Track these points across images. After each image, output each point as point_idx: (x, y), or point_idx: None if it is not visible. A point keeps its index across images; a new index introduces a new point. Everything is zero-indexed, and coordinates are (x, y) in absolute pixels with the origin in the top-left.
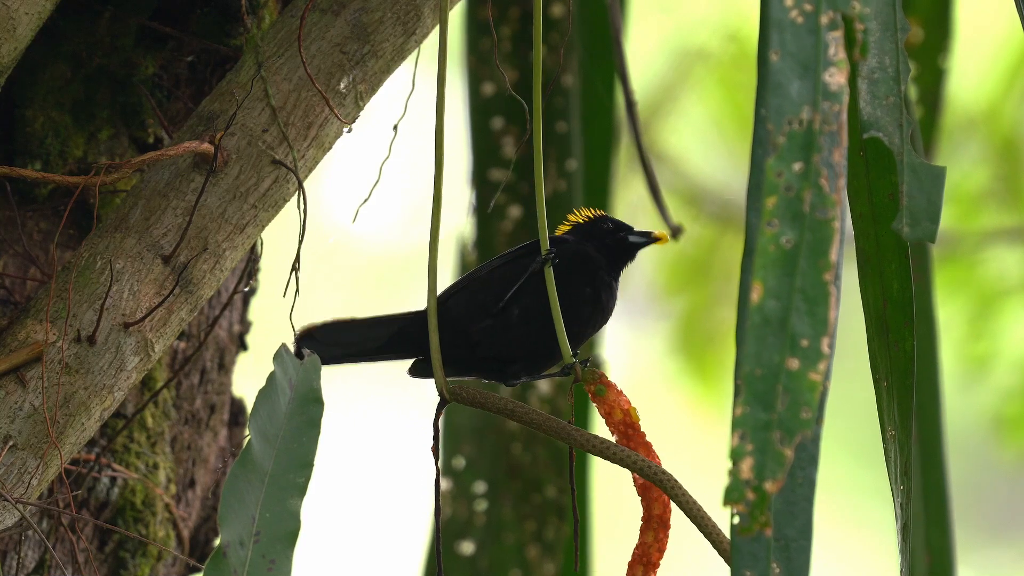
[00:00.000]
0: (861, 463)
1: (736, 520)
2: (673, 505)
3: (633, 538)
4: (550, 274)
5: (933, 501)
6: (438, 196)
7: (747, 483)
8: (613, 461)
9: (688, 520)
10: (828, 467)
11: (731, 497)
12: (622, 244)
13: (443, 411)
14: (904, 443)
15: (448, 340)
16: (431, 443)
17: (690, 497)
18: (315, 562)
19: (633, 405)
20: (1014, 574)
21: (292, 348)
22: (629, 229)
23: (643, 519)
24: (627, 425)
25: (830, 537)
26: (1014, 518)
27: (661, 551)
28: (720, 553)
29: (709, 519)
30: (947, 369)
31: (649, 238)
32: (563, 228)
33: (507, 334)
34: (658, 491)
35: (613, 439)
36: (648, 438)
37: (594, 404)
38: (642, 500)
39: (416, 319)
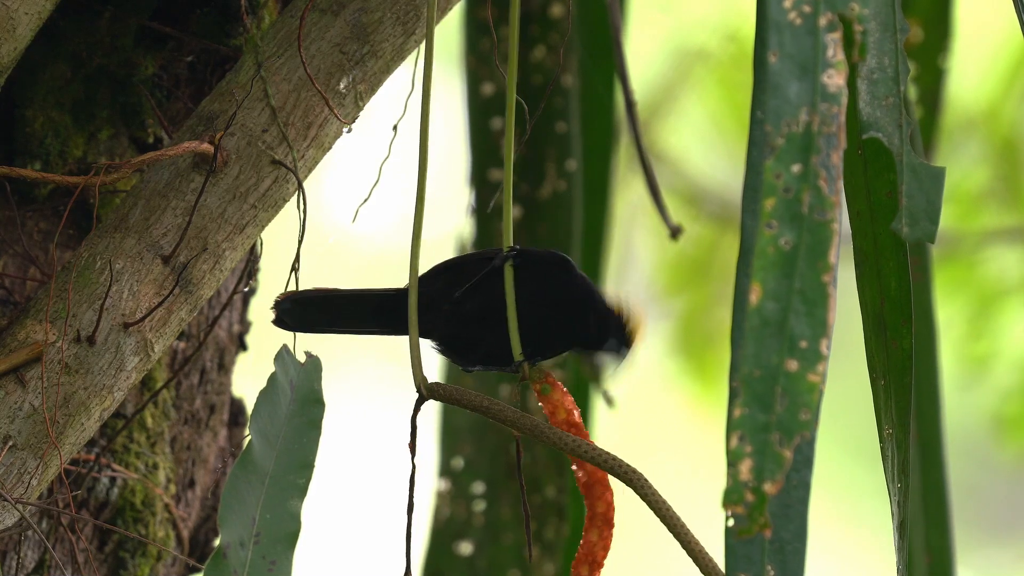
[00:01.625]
0: (859, 462)
1: (731, 522)
2: (617, 503)
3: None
4: (509, 272)
5: (932, 501)
6: (421, 190)
7: (746, 484)
8: (584, 459)
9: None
10: (826, 466)
11: (730, 499)
12: (600, 341)
13: (421, 407)
14: (901, 441)
15: (427, 316)
16: (408, 440)
17: (658, 494)
18: (315, 563)
19: (577, 406)
20: (1014, 574)
21: (272, 314)
22: (614, 341)
23: (587, 518)
24: (570, 424)
25: (827, 536)
26: (1014, 518)
27: (606, 550)
28: (689, 553)
29: (679, 519)
30: (947, 369)
31: (600, 367)
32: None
33: (462, 327)
34: (602, 489)
35: None
36: (590, 438)
37: (539, 403)
38: (586, 499)
39: (398, 296)
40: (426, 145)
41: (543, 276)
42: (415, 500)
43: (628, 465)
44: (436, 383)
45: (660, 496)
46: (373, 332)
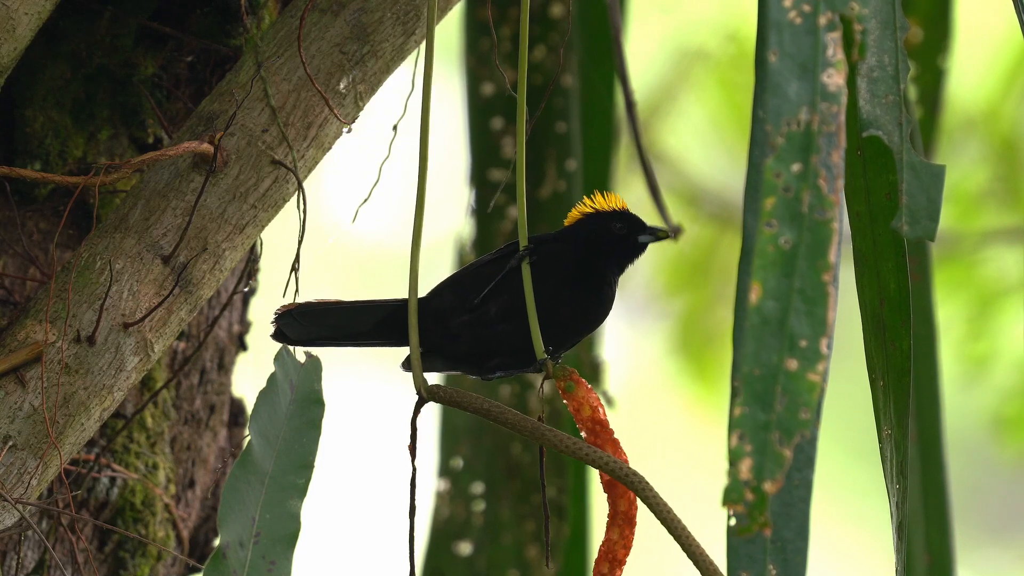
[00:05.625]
0: (859, 462)
1: (733, 521)
2: (640, 503)
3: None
4: (527, 271)
5: (933, 501)
6: (421, 193)
7: (746, 484)
8: (585, 461)
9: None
10: (826, 466)
11: (730, 498)
12: (630, 245)
13: (421, 409)
14: (900, 442)
15: (435, 333)
16: (408, 442)
17: (659, 497)
18: (315, 563)
19: (602, 403)
20: (1014, 574)
21: (272, 327)
22: (642, 229)
23: (609, 516)
24: (595, 422)
25: (828, 536)
26: (1014, 518)
27: (627, 548)
28: (689, 555)
29: (678, 520)
30: (947, 369)
31: (656, 236)
32: (576, 214)
33: (484, 330)
34: (624, 488)
35: (583, 435)
36: (616, 435)
37: (564, 400)
38: (608, 497)
39: (402, 308)
40: (426, 145)
41: (561, 263)
42: (416, 502)
43: (628, 467)
44: (436, 385)
45: (660, 498)
46: (375, 344)
